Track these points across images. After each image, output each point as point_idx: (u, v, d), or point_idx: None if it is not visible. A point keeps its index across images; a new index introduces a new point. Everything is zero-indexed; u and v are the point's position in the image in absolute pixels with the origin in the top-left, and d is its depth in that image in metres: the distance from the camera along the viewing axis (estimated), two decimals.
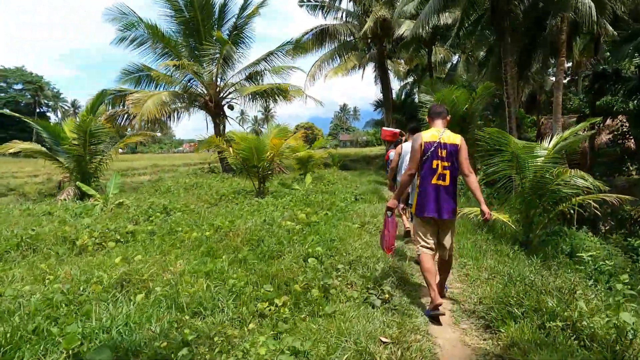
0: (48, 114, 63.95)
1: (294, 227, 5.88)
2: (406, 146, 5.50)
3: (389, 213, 3.69)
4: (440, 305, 3.24)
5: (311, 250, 4.64)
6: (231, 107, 18.34)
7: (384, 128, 8.96)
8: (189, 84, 16.82)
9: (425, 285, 3.52)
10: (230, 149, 9.05)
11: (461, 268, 4.84)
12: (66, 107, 71.76)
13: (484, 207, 3.37)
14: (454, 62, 31.04)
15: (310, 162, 13.42)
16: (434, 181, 3.36)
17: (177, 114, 18.29)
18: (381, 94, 26.70)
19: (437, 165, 3.35)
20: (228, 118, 18.64)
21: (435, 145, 3.36)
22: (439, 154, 3.36)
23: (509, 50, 11.67)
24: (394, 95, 28.51)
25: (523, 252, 5.56)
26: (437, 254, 3.63)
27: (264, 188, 9.56)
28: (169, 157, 46.69)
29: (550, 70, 21.52)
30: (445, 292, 3.85)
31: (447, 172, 3.36)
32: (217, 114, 17.82)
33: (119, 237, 5.82)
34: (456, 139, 3.43)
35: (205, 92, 17.39)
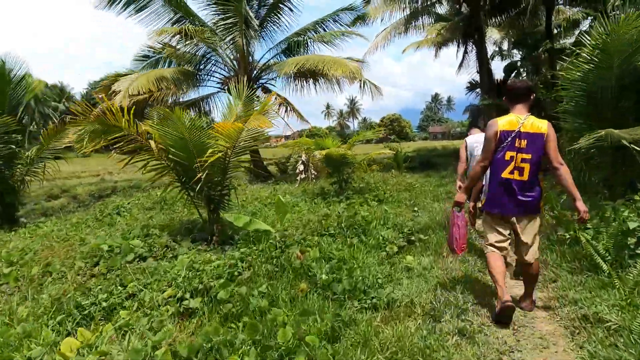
0: None
1: None
2: (470, 139, 4.67)
3: (456, 209, 3.28)
4: (509, 301, 2.84)
5: None
6: (266, 90, 14.08)
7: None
8: (205, 58, 12.77)
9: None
10: (152, 144, 4.63)
11: None
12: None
13: (580, 205, 2.88)
14: (586, 28, 22.84)
15: (346, 164, 8.40)
16: (505, 175, 2.94)
17: (205, 102, 14.64)
18: (477, 72, 20.29)
19: (512, 157, 2.92)
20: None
21: (513, 134, 2.88)
22: (516, 145, 2.89)
23: None
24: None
25: None
26: (519, 260, 3.19)
27: (219, 223, 4.91)
28: None
29: None
30: (534, 303, 3.20)
31: (526, 166, 2.89)
32: (250, 97, 13.73)
33: None
34: (542, 126, 2.89)
35: (227, 69, 13.40)
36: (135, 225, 5.73)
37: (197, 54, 12.48)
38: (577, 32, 23.23)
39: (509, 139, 2.87)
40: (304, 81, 13.93)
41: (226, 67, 13.41)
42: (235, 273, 3.50)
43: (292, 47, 13.73)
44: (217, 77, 13.74)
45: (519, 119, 2.90)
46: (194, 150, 4.52)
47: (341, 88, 13.88)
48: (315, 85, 14.13)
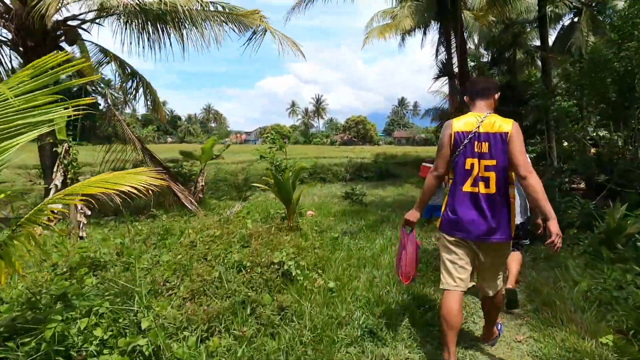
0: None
1: None
2: None
3: (407, 228, 2.69)
4: None
5: None
6: (72, 41, 7.60)
7: (425, 164, 5.81)
8: None
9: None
10: None
11: None
12: (117, 95, 63.52)
13: (553, 226, 2.11)
14: (566, 22, 17.60)
15: None
16: (466, 188, 2.34)
17: None
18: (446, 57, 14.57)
19: (473, 165, 2.31)
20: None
21: (470, 136, 2.31)
22: (475, 149, 2.30)
23: None
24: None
25: None
26: (481, 293, 2.60)
27: None
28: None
29: None
30: (497, 333, 2.79)
31: (492, 175, 2.29)
32: (40, 55, 7.24)
33: None
34: (505, 125, 2.28)
35: None
36: None
37: None
38: (558, 27, 18.25)
39: (465, 142, 2.31)
40: (150, 25, 7.51)
41: None
42: None
43: None
44: None
45: (477, 117, 2.35)
46: None
47: (219, 38, 7.48)
48: (176, 32, 7.64)
